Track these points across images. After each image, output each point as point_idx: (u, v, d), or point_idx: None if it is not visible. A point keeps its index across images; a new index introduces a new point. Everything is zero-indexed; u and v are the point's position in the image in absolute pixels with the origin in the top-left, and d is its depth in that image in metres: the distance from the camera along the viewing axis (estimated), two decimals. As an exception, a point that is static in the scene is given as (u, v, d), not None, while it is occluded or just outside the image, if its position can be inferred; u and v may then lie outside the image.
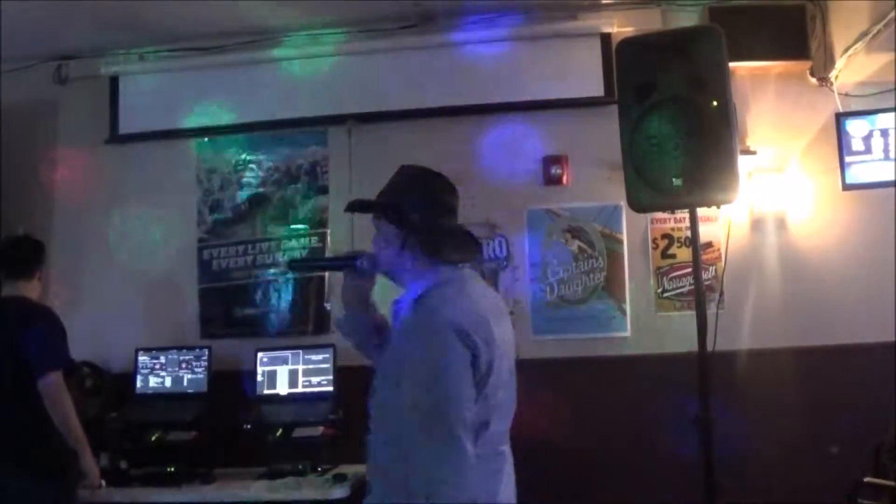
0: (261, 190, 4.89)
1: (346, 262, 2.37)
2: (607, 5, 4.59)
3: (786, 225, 4.45)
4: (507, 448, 2.29)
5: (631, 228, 4.55)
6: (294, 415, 4.32)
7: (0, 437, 3.50)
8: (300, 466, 4.17)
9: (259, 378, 4.49)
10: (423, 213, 2.21)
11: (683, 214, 3.96)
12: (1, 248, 3.88)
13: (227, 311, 4.83)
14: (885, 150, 4.08)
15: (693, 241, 3.31)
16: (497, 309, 2.27)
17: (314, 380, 4.41)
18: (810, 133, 4.44)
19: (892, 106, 4.08)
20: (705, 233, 4.14)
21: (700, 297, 3.26)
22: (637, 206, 3.35)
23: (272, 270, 4.79)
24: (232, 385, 4.53)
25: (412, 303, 2.18)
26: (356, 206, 2.31)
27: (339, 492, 3.92)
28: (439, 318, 2.07)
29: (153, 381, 4.59)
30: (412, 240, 2.19)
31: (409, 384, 2.05)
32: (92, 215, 4.96)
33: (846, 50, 4.11)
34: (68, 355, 3.71)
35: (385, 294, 2.42)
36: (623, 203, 4.12)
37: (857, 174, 4.14)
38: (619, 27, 4.49)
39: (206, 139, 4.94)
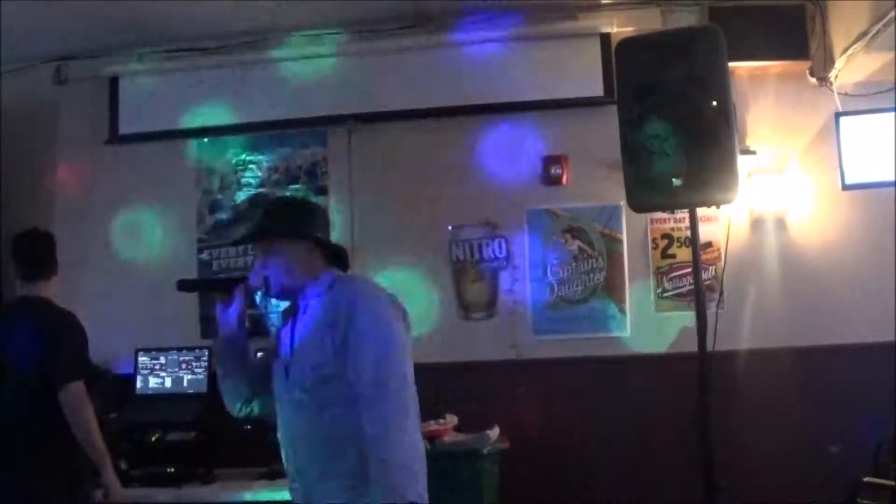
0: (260, 190, 4.88)
1: (236, 283, 2.54)
2: (607, 5, 4.59)
3: (785, 225, 4.45)
4: None
5: (631, 228, 4.55)
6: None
7: (9, 442, 3.37)
8: (300, 467, 4.16)
9: (259, 378, 4.48)
10: (321, 230, 2.51)
11: (683, 214, 3.95)
12: (17, 244, 3.64)
13: (227, 311, 4.81)
14: (885, 150, 4.05)
15: (693, 240, 3.30)
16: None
17: (314, 380, 4.41)
18: (810, 133, 4.44)
19: (892, 106, 4.06)
20: (705, 233, 4.13)
21: (700, 297, 3.25)
22: (637, 206, 3.35)
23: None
24: (232, 385, 4.52)
25: (326, 292, 2.38)
26: (257, 234, 2.49)
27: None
28: (372, 291, 2.38)
29: (153, 382, 4.60)
30: (317, 253, 2.45)
31: (356, 353, 2.23)
32: (92, 216, 4.96)
33: (846, 50, 4.10)
34: (90, 365, 3.56)
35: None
36: (623, 203, 4.13)
37: (856, 174, 4.12)
38: (619, 27, 4.49)
39: (205, 140, 4.94)
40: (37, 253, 3.62)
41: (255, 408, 2.57)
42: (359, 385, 2.21)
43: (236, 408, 2.57)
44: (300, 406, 2.34)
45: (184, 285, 2.65)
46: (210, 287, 2.84)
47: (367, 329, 2.25)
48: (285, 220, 2.50)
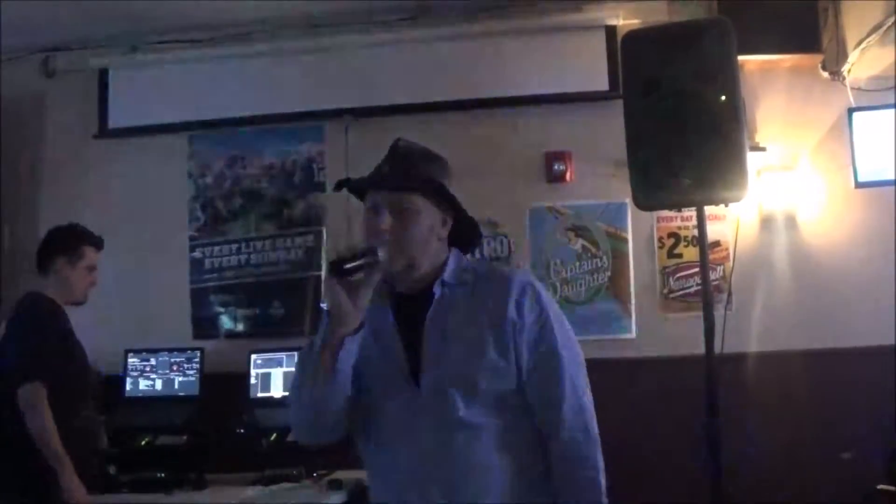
0: (255, 186, 4.84)
1: (372, 257, 1.85)
2: (612, -3, 4.58)
3: (796, 223, 4.41)
4: None
5: (636, 227, 4.52)
6: (289, 419, 4.23)
7: None
8: (295, 472, 4.10)
9: (253, 381, 4.44)
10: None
11: (690, 213, 3.87)
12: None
13: (220, 311, 4.80)
14: (899, 147, 4.05)
15: (700, 240, 3.28)
16: None
17: (309, 382, 4.34)
18: (821, 129, 4.40)
19: (906, 101, 4.04)
20: (713, 231, 4.10)
21: (707, 298, 3.24)
22: (643, 203, 3.33)
23: (266, 269, 4.78)
24: (224, 388, 4.47)
25: (480, 282, 2.02)
26: (405, 178, 2.00)
27: (335, 498, 3.86)
28: (541, 287, 2.04)
29: (143, 384, 4.55)
30: (448, 224, 2.05)
31: (560, 346, 1.99)
32: (80, 212, 4.79)
33: (859, 43, 4.05)
34: (49, 367, 3.37)
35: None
36: (628, 201, 4.06)
37: (869, 171, 4.10)
38: (625, 19, 4.48)
39: (198, 134, 4.89)
40: (39, 248, 3.66)
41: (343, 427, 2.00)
42: (554, 406, 2.00)
43: (337, 429, 2.00)
44: (470, 431, 1.91)
45: (337, 271, 1.85)
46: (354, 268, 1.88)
47: (565, 344, 2.00)
48: (436, 175, 2.02)
